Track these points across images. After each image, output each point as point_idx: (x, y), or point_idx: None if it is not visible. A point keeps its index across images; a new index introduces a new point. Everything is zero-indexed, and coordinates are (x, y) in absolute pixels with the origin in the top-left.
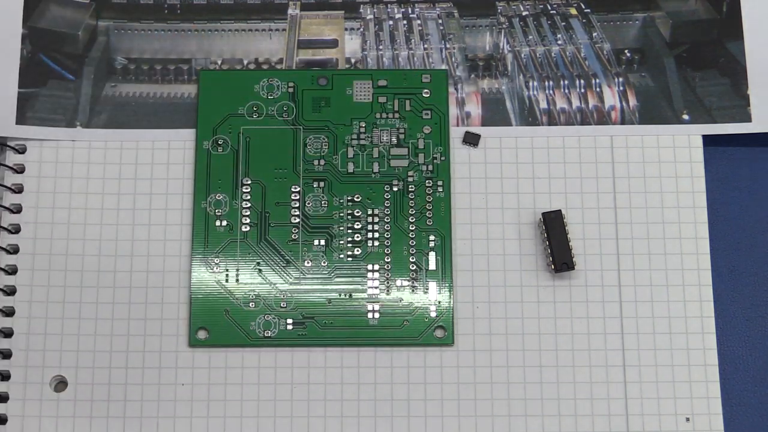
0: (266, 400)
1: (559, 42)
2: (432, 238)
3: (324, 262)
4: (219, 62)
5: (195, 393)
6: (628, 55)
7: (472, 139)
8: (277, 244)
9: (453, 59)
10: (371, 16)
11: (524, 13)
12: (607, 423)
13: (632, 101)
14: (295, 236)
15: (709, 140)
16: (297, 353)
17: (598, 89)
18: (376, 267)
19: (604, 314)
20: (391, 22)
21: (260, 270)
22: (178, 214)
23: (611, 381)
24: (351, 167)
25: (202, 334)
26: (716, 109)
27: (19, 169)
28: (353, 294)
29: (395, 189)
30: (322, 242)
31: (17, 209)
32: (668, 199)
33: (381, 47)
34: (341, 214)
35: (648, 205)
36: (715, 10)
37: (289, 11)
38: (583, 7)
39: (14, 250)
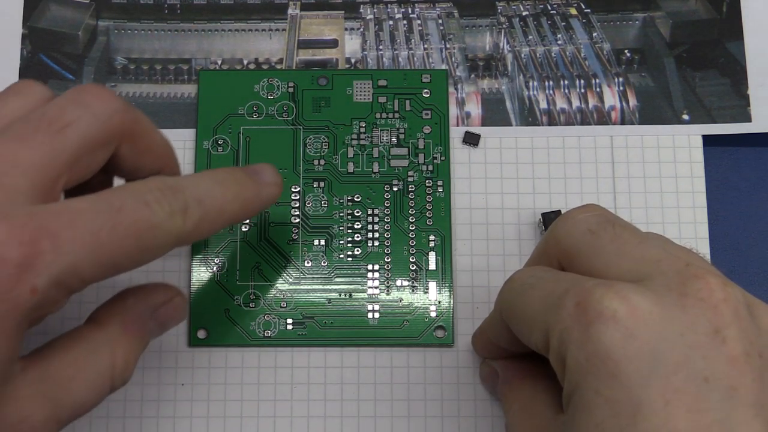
0: (266, 400)
1: (559, 42)
2: (432, 238)
3: (324, 262)
4: (219, 62)
5: (195, 393)
6: (628, 55)
7: (472, 139)
8: (277, 244)
9: (453, 59)
10: (371, 16)
11: (524, 13)
12: None
13: (632, 101)
14: (295, 236)
15: (709, 140)
16: (297, 353)
17: (598, 89)
18: (376, 267)
19: None
20: (391, 22)
21: (260, 270)
22: None
23: None
24: (351, 167)
25: (201, 334)
26: (716, 109)
27: None
28: (353, 294)
29: (395, 189)
30: (322, 242)
31: None
32: (668, 199)
33: (381, 47)
34: (341, 214)
35: (648, 205)
36: (715, 10)
37: (289, 11)
38: (583, 7)
39: None
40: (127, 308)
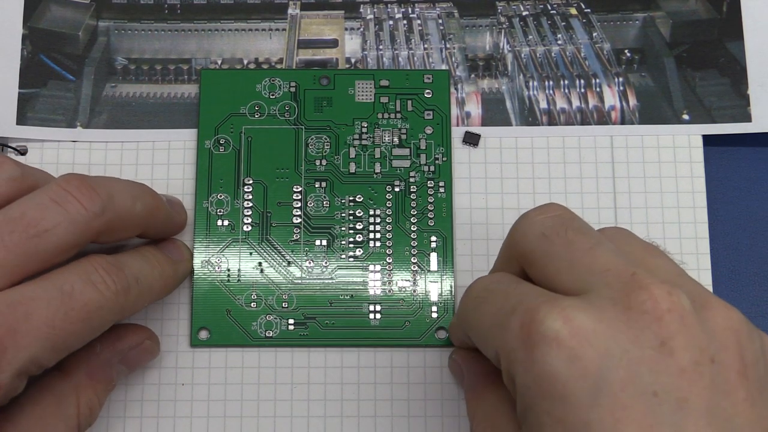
0: (266, 400)
1: (559, 42)
2: (434, 238)
3: (325, 263)
4: (219, 62)
5: (195, 393)
6: (628, 55)
7: (472, 139)
8: (279, 245)
9: (453, 59)
10: (371, 16)
11: (524, 13)
12: None
13: (632, 101)
14: (296, 236)
15: (709, 140)
16: (297, 353)
17: (598, 89)
18: (378, 267)
19: None
20: (391, 22)
21: (262, 270)
22: None
23: None
24: (353, 167)
25: (203, 335)
26: (716, 109)
27: None
28: (355, 294)
29: (397, 189)
30: (324, 242)
31: None
32: (668, 199)
33: (381, 47)
34: (343, 215)
35: (648, 205)
36: (715, 10)
37: (289, 11)
38: (583, 7)
39: None
40: (94, 355)
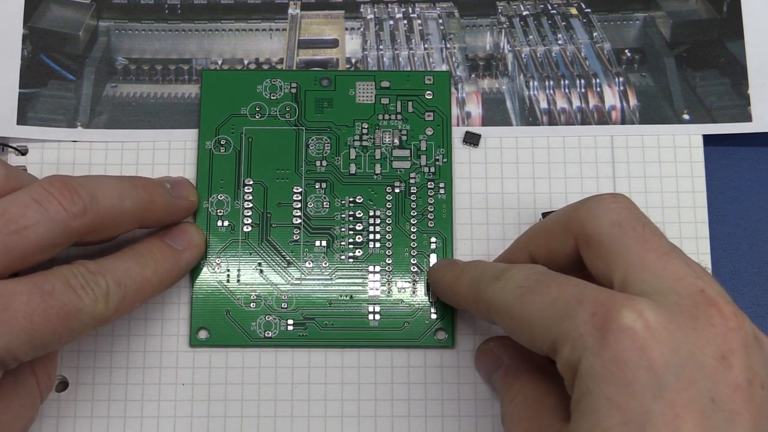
0: (267, 400)
1: (560, 42)
2: (433, 240)
3: (325, 263)
4: (219, 62)
5: (195, 393)
6: (629, 55)
7: (472, 139)
8: (279, 245)
9: (453, 59)
10: (372, 16)
11: (524, 13)
12: None
13: (632, 101)
14: (296, 237)
15: (709, 140)
16: (297, 353)
17: (598, 89)
18: (377, 268)
19: None
20: (391, 22)
21: (261, 270)
22: None
23: None
24: (353, 168)
25: (203, 334)
26: (716, 109)
27: None
28: (354, 295)
29: (397, 191)
30: (324, 243)
31: None
32: (668, 199)
33: (381, 47)
34: (343, 216)
35: (648, 205)
36: (715, 10)
37: (290, 11)
38: (584, 7)
39: None
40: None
